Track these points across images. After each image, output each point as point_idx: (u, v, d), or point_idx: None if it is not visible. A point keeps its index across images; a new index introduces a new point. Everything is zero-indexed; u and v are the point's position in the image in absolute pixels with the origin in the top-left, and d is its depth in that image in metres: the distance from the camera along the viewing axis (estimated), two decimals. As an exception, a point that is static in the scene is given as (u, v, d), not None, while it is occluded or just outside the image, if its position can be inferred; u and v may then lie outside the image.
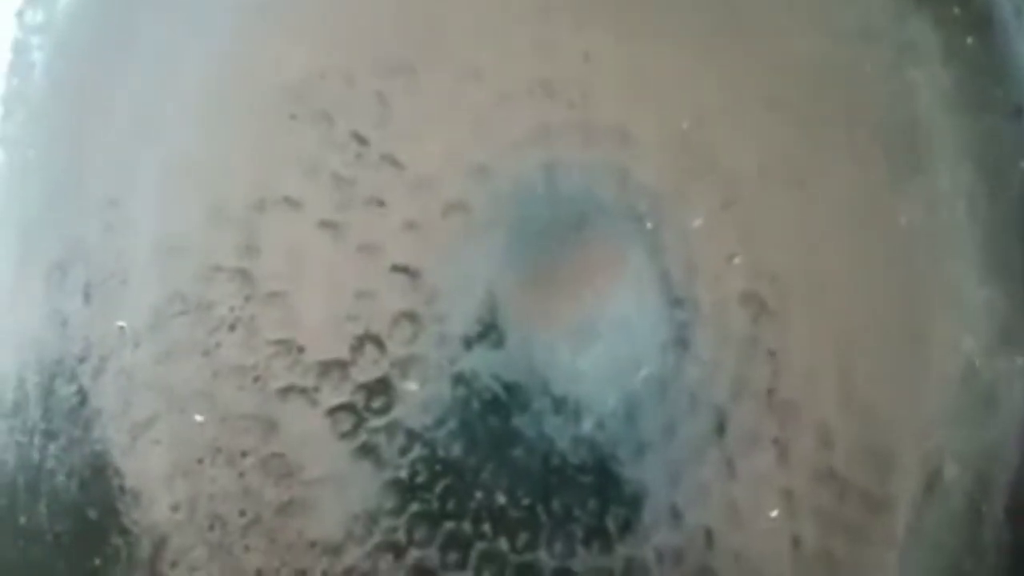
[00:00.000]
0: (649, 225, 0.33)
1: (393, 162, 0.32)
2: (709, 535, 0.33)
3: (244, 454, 0.31)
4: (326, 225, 0.32)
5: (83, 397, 0.30)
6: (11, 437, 0.30)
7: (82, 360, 0.31)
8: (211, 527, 0.31)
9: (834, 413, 0.34)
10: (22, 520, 0.30)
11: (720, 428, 0.33)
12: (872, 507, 0.34)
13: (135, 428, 0.30)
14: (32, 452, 0.30)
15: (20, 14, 0.31)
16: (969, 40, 0.36)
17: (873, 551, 0.34)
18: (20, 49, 0.32)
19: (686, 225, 0.34)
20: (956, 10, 0.36)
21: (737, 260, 0.34)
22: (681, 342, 0.33)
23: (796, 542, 0.33)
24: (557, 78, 0.33)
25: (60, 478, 0.30)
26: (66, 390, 0.30)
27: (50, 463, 0.30)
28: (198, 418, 0.31)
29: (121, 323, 0.30)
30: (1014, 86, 0.37)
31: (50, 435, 0.30)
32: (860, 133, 0.35)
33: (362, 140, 0.32)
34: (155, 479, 0.31)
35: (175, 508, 0.31)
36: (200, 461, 0.31)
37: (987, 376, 0.35)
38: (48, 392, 0.30)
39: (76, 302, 0.31)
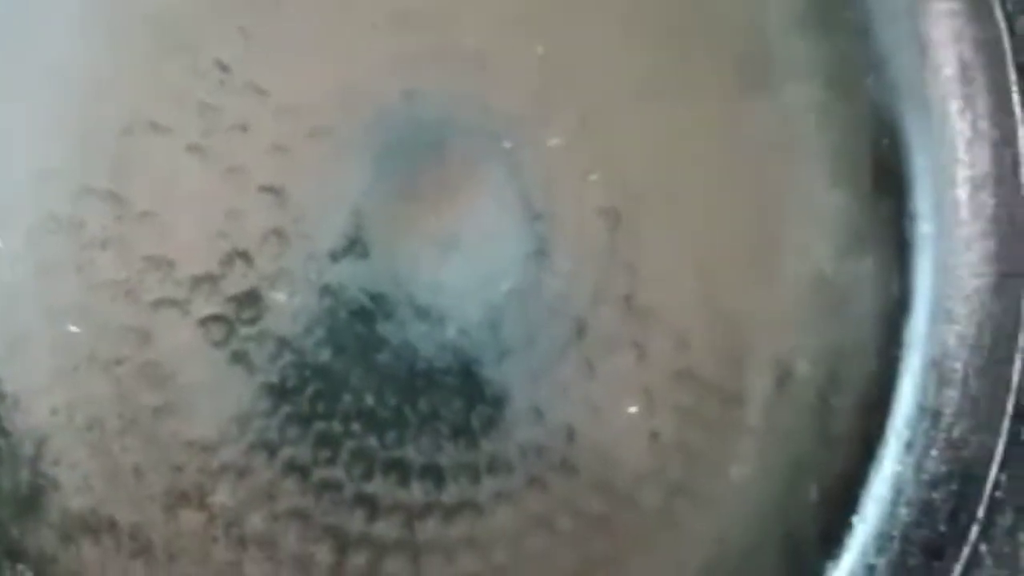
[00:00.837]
0: (507, 144, 0.35)
1: (257, 89, 0.34)
2: (570, 432, 0.35)
3: (119, 362, 0.33)
4: (193, 149, 0.33)
5: (-37, 312, 0.32)
6: None
7: None
8: (89, 428, 0.33)
9: (690, 317, 0.36)
10: None
11: (580, 333, 0.35)
12: (726, 402, 0.36)
13: (14, 339, 0.32)
14: None
15: None
16: None
17: (728, 443, 0.36)
18: None
19: (543, 144, 0.35)
20: None
21: (594, 176, 0.35)
22: (541, 254, 0.35)
23: (654, 436, 0.35)
24: (417, 6, 0.35)
25: None
26: None
27: None
28: (73, 329, 0.32)
29: (-2, 241, 0.32)
30: (862, 8, 0.38)
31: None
32: (713, 51, 0.37)
33: (224, 68, 0.34)
34: (34, 386, 0.33)
35: (54, 412, 0.33)
36: (76, 368, 0.33)
37: (837, 279, 0.37)
38: None
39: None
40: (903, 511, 0.37)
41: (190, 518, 0.33)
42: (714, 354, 0.36)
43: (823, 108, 0.37)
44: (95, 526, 0.32)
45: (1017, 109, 0.37)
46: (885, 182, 0.38)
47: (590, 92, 0.36)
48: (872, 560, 0.37)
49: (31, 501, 0.32)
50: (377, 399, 0.34)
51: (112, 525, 0.32)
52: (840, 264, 0.37)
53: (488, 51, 0.35)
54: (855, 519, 0.37)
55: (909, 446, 0.38)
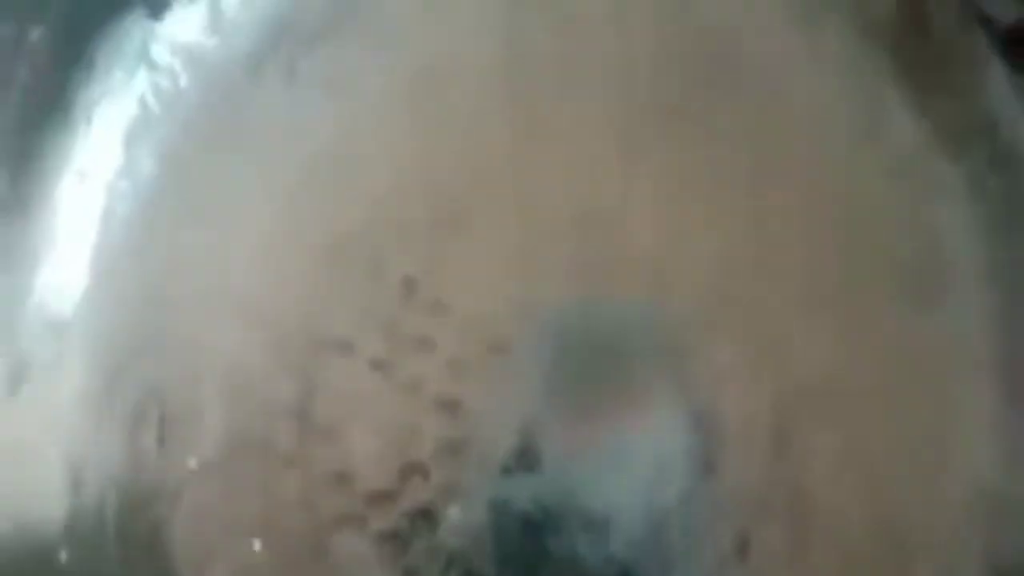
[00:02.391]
0: (680, 355, 0.35)
1: (440, 305, 0.35)
2: None
3: None
4: (376, 365, 0.34)
5: (156, 529, 0.33)
6: (91, 568, 0.33)
7: (156, 494, 0.33)
8: None
9: (855, 532, 0.35)
10: None
11: (743, 547, 0.35)
12: None
13: (201, 557, 0.33)
14: None
15: (110, 186, 0.35)
16: (992, 179, 0.38)
17: None
18: (107, 216, 0.35)
19: (715, 355, 0.35)
20: (980, 149, 0.37)
21: (764, 389, 0.35)
22: (708, 466, 0.35)
23: None
24: (596, 217, 0.35)
25: None
26: (141, 522, 0.33)
27: None
28: (257, 546, 0.33)
29: (192, 461, 0.33)
30: None
31: (126, 565, 0.33)
32: (886, 266, 0.37)
33: (411, 285, 0.35)
34: None
35: None
36: None
37: (1000, 493, 0.36)
38: (125, 524, 0.33)
39: (152, 440, 0.33)
40: None
41: None
42: (880, 571, 0.35)
43: (996, 321, 0.37)
44: None
45: None
46: None
47: (761, 303, 0.36)
48: None
49: None
50: None
51: None
52: (1004, 478, 0.36)
53: (663, 260, 0.36)
54: None
55: None
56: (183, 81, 0.36)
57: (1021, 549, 0.36)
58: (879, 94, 0.37)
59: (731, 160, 0.36)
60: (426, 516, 0.34)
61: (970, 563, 0.36)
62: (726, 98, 0.37)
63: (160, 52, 0.36)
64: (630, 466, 0.35)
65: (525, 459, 0.34)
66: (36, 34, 0.34)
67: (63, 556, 0.33)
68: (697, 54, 0.36)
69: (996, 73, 0.38)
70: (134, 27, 0.37)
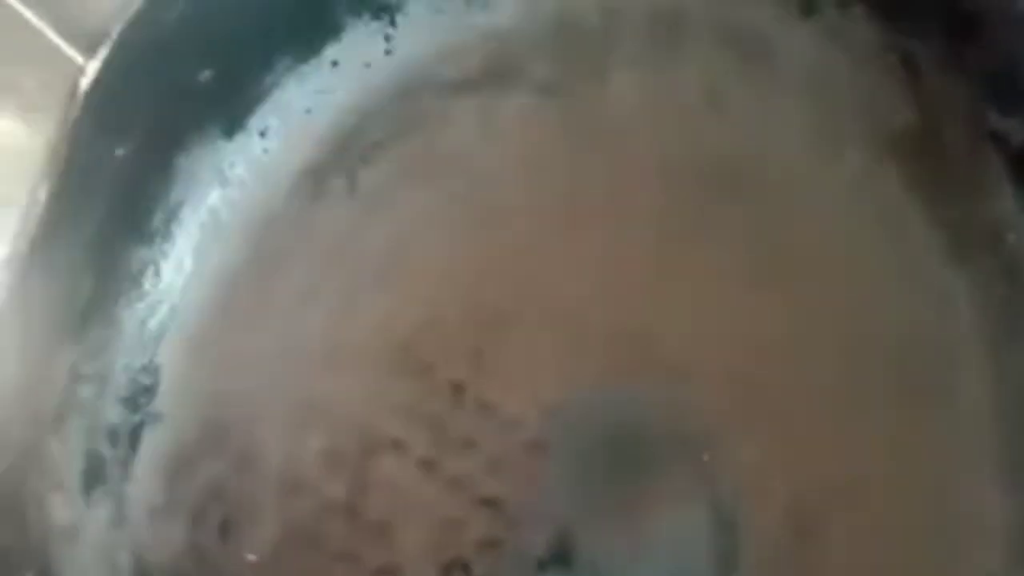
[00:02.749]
0: (706, 456, 0.37)
1: (484, 405, 0.36)
2: None
3: None
4: (423, 464, 0.36)
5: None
6: None
7: None
8: None
9: None
10: None
11: None
12: None
13: None
14: None
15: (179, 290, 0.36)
16: (999, 288, 0.39)
17: None
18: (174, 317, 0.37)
19: (738, 456, 0.37)
20: (986, 259, 0.39)
21: (783, 488, 0.37)
22: (729, 563, 0.36)
23: None
24: (627, 324, 0.37)
25: None
26: None
27: None
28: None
29: (251, 556, 0.35)
30: None
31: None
32: (897, 367, 0.38)
33: (458, 387, 0.36)
34: None
35: None
36: None
37: None
38: None
39: (213, 537, 0.35)
40: None
41: None
42: None
43: (1000, 419, 0.38)
44: None
45: None
46: None
47: (782, 405, 0.37)
48: None
49: None
50: None
51: None
52: (1008, 572, 0.37)
53: (689, 365, 0.37)
54: None
55: None
56: (252, 191, 0.38)
57: None
58: (894, 205, 0.39)
59: (752, 269, 0.38)
60: None
61: None
62: (751, 211, 0.39)
63: (232, 166, 0.38)
64: (656, 563, 0.36)
65: (559, 554, 0.36)
66: (121, 151, 0.36)
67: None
68: (723, 173, 0.38)
69: (1004, 188, 0.39)
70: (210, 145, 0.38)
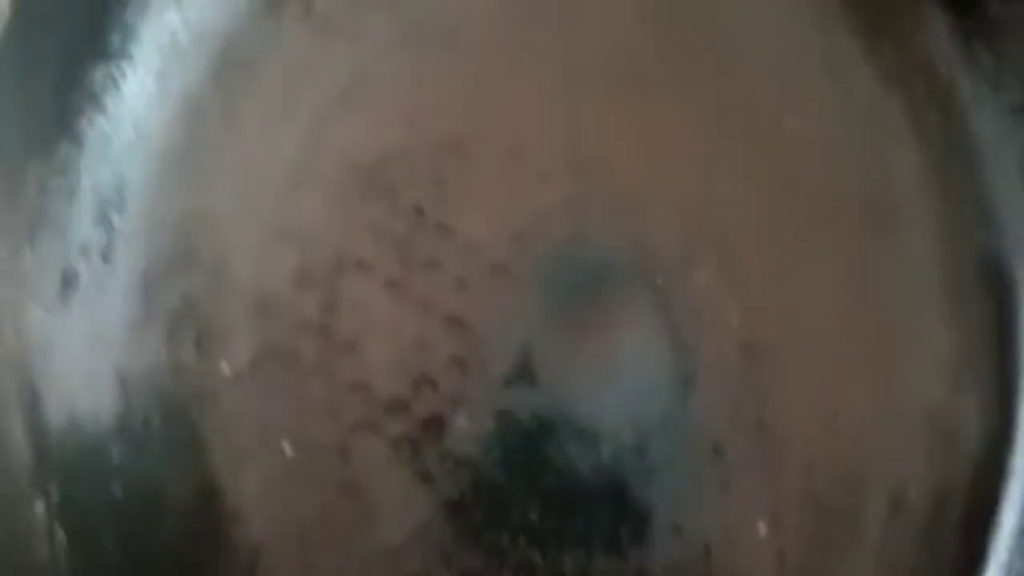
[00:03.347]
0: (659, 281, 0.38)
1: (446, 229, 0.37)
2: (707, 549, 0.37)
3: (323, 477, 0.35)
4: (391, 284, 0.36)
5: (195, 430, 0.35)
6: (139, 465, 0.35)
7: (195, 399, 0.35)
8: (298, 538, 0.35)
9: (816, 444, 0.38)
10: (145, 535, 0.35)
11: (717, 456, 0.37)
12: (847, 524, 0.38)
13: (236, 458, 0.35)
14: (155, 477, 0.35)
15: (143, 115, 0.37)
16: (932, 117, 0.40)
17: (847, 562, 0.38)
18: (141, 139, 0.37)
19: (691, 281, 0.37)
20: (920, 87, 0.39)
21: (735, 312, 0.37)
22: (686, 382, 0.37)
23: (781, 555, 0.37)
24: (585, 154, 0.38)
25: (177, 499, 0.35)
26: (183, 424, 0.35)
27: (171, 487, 0.35)
28: (287, 448, 0.35)
29: (226, 368, 0.35)
30: (974, 166, 0.40)
31: (170, 463, 0.35)
32: (843, 204, 0.39)
33: (420, 211, 0.37)
34: (252, 500, 0.35)
35: (269, 525, 0.35)
36: (289, 485, 0.35)
37: (946, 412, 0.39)
38: (169, 426, 0.35)
39: (190, 349, 0.35)
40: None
41: (382, 620, 0.34)
42: (837, 479, 0.38)
43: (940, 255, 0.39)
44: (302, 631, 0.34)
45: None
46: (994, 323, 0.40)
47: (734, 235, 0.38)
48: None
49: (248, 610, 0.34)
50: (540, 514, 0.36)
51: (316, 629, 0.34)
52: (950, 398, 0.39)
53: (646, 195, 0.38)
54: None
55: (1008, 569, 0.40)
56: (210, 14, 0.38)
57: (963, 473, 0.39)
58: (834, 41, 0.40)
59: (704, 107, 0.39)
60: (436, 424, 0.36)
61: (918, 484, 0.39)
62: (702, 52, 0.39)
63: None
64: (617, 382, 0.37)
65: (523, 373, 0.36)
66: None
67: (115, 453, 0.35)
68: (677, 14, 0.39)
69: (935, 16, 0.40)
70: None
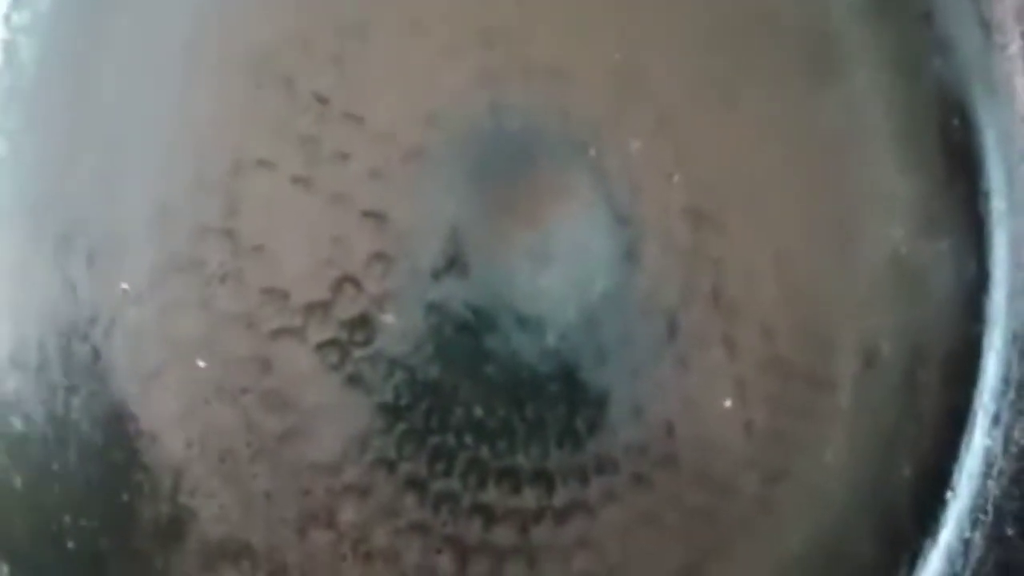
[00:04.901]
0: (592, 152, 0.36)
1: (352, 117, 0.34)
2: (670, 427, 0.36)
3: (244, 391, 0.33)
4: (298, 180, 0.34)
5: (97, 354, 0.33)
6: (38, 395, 0.33)
7: (93, 321, 0.33)
8: (221, 459, 0.33)
9: (775, 307, 0.37)
10: (55, 467, 0.33)
11: (672, 331, 0.36)
12: (816, 387, 0.37)
13: (146, 378, 0.33)
14: (57, 406, 0.33)
15: (7, 17, 0.34)
16: None
17: (821, 427, 0.37)
18: (10, 49, 0.34)
19: (625, 148, 0.36)
20: None
21: (676, 178, 0.36)
22: (631, 256, 0.36)
23: (749, 426, 0.36)
24: (496, 25, 0.36)
25: (84, 428, 0.33)
26: (82, 349, 0.33)
27: (74, 415, 0.33)
28: (200, 364, 0.33)
29: (124, 285, 0.33)
30: None
31: (72, 390, 0.33)
32: (781, 48, 0.38)
33: (322, 99, 0.34)
34: (168, 421, 0.33)
35: (189, 444, 0.33)
36: (207, 402, 0.33)
37: (914, 260, 0.38)
38: (66, 352, 0.33)
39: (82, 269, 0.33)
40: (993, 484, 0.38)
41: (320, 538, 0.34)
42: (801, 341, 0.37)
43: (891, 93, 0.38)
44: (233, 552, 0.33)
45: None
46: (956, 162, 0.39)
47: (666, 95, 0.36)
48: (967, 534, 0.38)
49: (172, 532, 0.33)
50: (486, 410, 0.35)
51: (248, 550, 0.33)
52: (916, 246, 0.38)
53: (567, 62, 0.36)
54: (948, 495, 0.38)
55: (996, 419, 0.39)
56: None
57: (938, 323, 0.38)
58: None
59: None
60: (363, 324, 0.34)
61: (889, 337, 0.37)
62: None
63: None
64: (555, 262, 0.35)
65: (453, 263, 0.35)
66: None
67: (10, 385, 0.32)
68: None
69: None
70: None
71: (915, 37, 0.38)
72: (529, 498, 0.35)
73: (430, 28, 0.35)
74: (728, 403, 0.36)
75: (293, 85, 0.34)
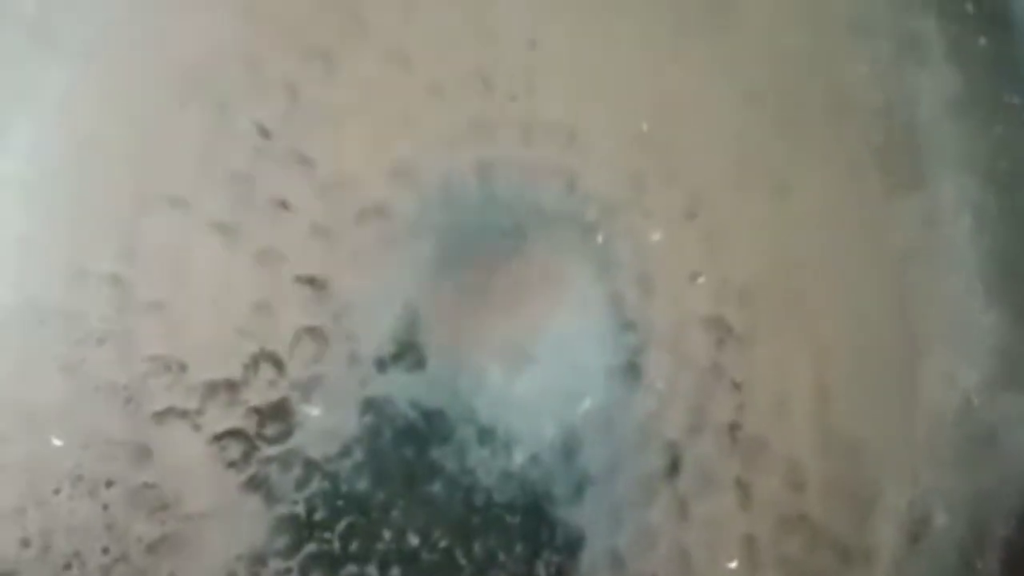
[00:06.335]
0: (600, 238, 0.32)
1: (301, 158, 0.30)
2: None
3: (110, 483, 0.29)
4: (218, 227, 0.30)
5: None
6: None
7: None
8: (67, 566, 0.29)
9: (807, 451, 0.32)
10: None
11: (674, 465, 0.31)
12: (847, 559, 0.32)
13: None
14: None
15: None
16: (982, 40, 0.34)
17: None
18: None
19: (643, 238, 0.32)
20: (968, 6, 0.34)
21: (701, 279, 0.32)
22: (632, 369, 0.31)
23: None
24: (497, 67, 0.32)
25: None
26: None
27: None
28: (56, 442, 0.29)
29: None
30: None
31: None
32: (850, 136, 0.34)
33: (265, 132, 0.30)
34: (3, 509, 0.29)
35: (25, 543, 0.29)
36: (57, 491, 0.29)
37: (986, 415, 0.33)
38: None
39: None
40: None
41: None
42: (834, 497, 0.32)
43: (980, 207, 0.34)
44: None
45: None
46: None
47: (701, 176, 0.32)
48: None
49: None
50: (423, 540, 0.30)
51: None
52: (992, 396, 0.33)
53: (581, 121, 0.32)
54: None
55: None
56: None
57: (1006, 478, 0.33)
58: None
59: (661, 5, 0.33)
60: (279, 415, 0.30)
61: (948, 493, 0.33)
62: None
63: None
64: (536, 365, 0.31)
65: (406, 351, 0.30)
66: None
67: None
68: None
69: None
70: None
71: (1018, 144, 0.34)
72: (472, 663, 0.30)
73: (412, 60, 0.31)
74: (733, 565, 0.31)
75: (227, 111, 0.30)
